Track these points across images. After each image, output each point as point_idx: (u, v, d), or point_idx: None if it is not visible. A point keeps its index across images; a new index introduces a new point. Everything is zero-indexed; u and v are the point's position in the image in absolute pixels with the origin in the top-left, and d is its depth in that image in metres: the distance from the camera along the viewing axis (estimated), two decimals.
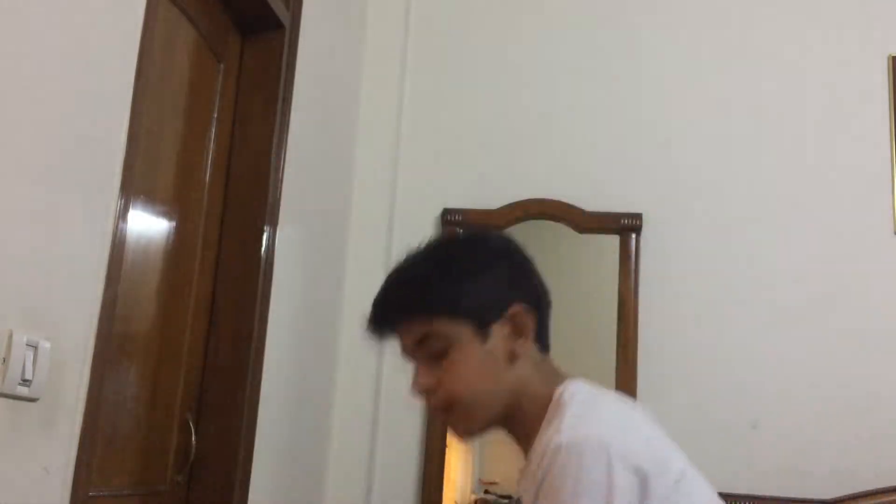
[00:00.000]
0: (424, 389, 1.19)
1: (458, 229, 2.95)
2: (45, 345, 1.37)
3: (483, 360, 1.17)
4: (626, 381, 2.67)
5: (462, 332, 1.17)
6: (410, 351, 1.21)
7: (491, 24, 3.15)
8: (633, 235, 2.82)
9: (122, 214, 1.59)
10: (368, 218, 2.99)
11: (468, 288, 1.19)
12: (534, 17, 3.11)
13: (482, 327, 1.17)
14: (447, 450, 2.80)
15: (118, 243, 1.58)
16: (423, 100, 3.10)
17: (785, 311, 2.76)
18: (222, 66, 2.24)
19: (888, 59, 2.88)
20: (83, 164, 1.49)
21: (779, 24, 2.97)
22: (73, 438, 1.46)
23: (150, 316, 1.92)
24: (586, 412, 1.09)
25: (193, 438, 2.07)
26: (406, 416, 2.82)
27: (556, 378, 1.19)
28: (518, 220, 2.93)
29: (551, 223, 2.91)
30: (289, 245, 2.36)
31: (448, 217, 2.94)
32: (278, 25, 2.32)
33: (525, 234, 2.95)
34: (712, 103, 2.93)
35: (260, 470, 2.18)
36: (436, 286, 1.20)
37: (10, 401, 1.31)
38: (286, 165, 2.32)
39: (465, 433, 1.22)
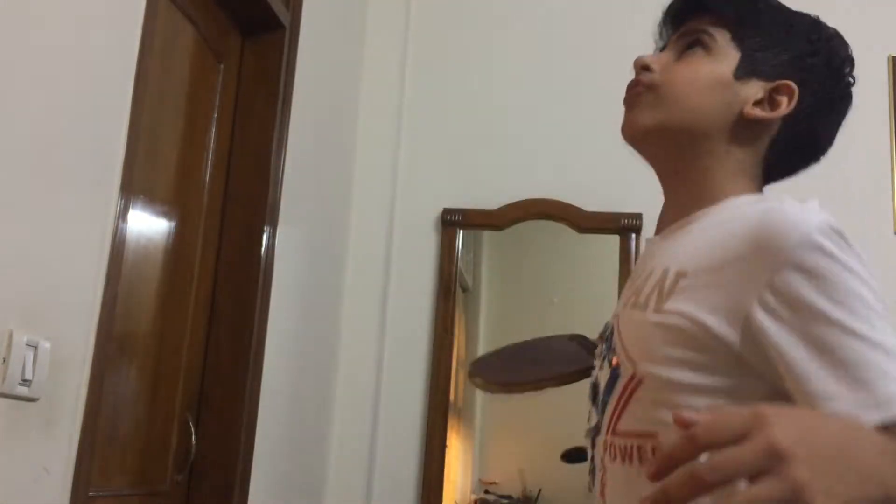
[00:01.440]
0: (644, 64, 1.06)
1: (458, 230, 2.95)
2: (45, 345, 1.37)
3: (721, 88, 1.02)
4: None
5: (729, 57, 1.03)
6: (669, 33, 1.11)
7: (491, 24, 3.15)
8: (633, 235, 2.82)
9: (123, 214, 1.59)
10: (368, 218, 2.99)
11: (778, 35, 1.06)
12: (534, 18, 3.11)
13: (746, 71, 1.03)
14: (447, 450, 2.80)
15: (118, 243, 1.58)
16: (423, 100, 3.10)
17: None
18: (222, 66, 2.24)
19: (888, 59, 2.88)
20: (83, 163, 1.49)
21: None
22: (73, 438, 1.46)
23: (150, 316, 1.92)
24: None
25: (193, 438, 2.07)
26: (406, 415, 2.82)
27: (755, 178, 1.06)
28: (518, 220, 2.93)
29: (551, 223, 2.91)
30: (289, 245, 2.36)
31: (448, 217, 2.94)
32: (278, 25, 2.32)
33: (525, 234, 2.95)
34: None
35: (260, 470, 2.18)
36: (777, 27, 1.07)
37: (10, 401, 1.31)
38: (286, 165, 2.32)
39: (638, 122, 1.05)
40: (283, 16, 2.33)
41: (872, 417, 0.74)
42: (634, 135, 1.06)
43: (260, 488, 2.19)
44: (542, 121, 3.02)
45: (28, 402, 1.35)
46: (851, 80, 1.08)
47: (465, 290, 3.03)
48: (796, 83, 1.02)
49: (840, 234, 0.88)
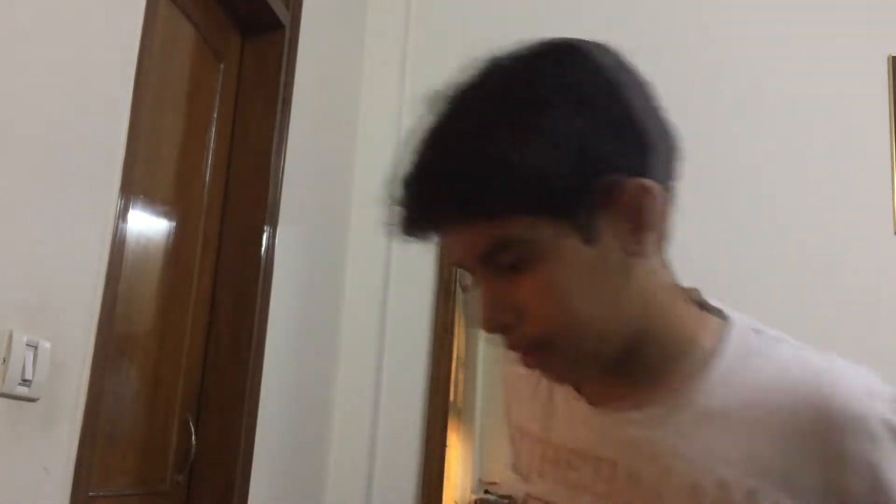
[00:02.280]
0: (501, 327, 0.76)
1: None
2: (46, 345, 1.37)
3: (591, 269, 0.74)
4: None
5: (554, 234, 0.73)
6: (471, 264, 0.77)
7: (491, 23, 3.15)
8: None
9: (122, 214, 1.59)
10: (368, 218, 2.99)
11: (555, 157, 0.71)
12: (535, 17, 3.11)
13: (584, 221, 0.73)
14: (447, 450, 2.80)
15: (118, 243, 1.58)
16: (423, 99, 3.10)
17: (784, 311, 2.75)
18: (222, 65, 2.24)
19: (888, 59, 2.88)
20: (83, 163, 1.49)
21: (779, 25, 2.97)
22: (73, 438, 1.46)
23: (150, 316, 1.92)
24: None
25: (193, 438, 2.07)
26: (406, 415, 2.82)
27: (689, 293, 0.84)
28: None
29: None
30: (289, 245, 2.36)
31: None
32: (278, 25, 2.32)
33: None
34: (711, 103, 2.93)
35: (260, 470, 2.18)
36: (511, 164, 0.71)
37: (10, 401, 1.31)
38: (286, 165, 2.32)
39: (569, 376, 0.82)
40: (283, 16, 2.33)
41: None
42: (590, 379, 0.83)
43: (260, 488, 2.19)
44: None
45: (28, 403, 1.35)
46: (623, 72, 0.79)
47: (464, 289, 3.03)
48: (630, 170, 0.74)
49: None
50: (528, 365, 0.79)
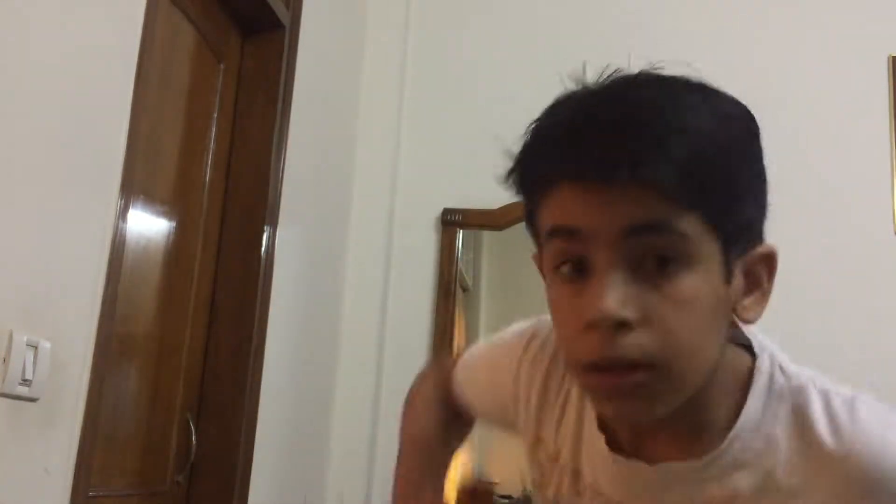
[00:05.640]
0: (618, 324, 0.65)
1: (458, 230, 2.95)
2: (46, 345, 1.37)
3: (718, 307, 0.69)
4: None
5: (714, 255, 0.68)
6: (609, 237, 0.66)
7: (491, 23, 3.15)
8: None
9: (123, 214, 1.59)
10: (368, 218, 2.99)
11: (765, 191, 0.74)
12: (535, 17, 3.11)
13: (734, 260, 0.70)
14: None
15: (118, 243, 1.58)
16: (423, 100, 3.10)
17: (784, 312, 2.75)
18: (222, 66, 2.24)
19: (888, 59, 2.88)
20: (84, 163, 1.49)
21: (779, 25, 2.97)
22: (73, 438, 1.46)
23: (150, 316, 1.92)
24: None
25: (194, 438, 2.07)
26: None
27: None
28: (518, 220, 2.90)
29: None
30: (289, 245, 2.36)
31: (448, 217, 2.94)
32: (278, 25, 2.32)
33: (525, 234, 2.94)
34: None
35: (260, 470, 2.18)
36: (745, 169, 0.70)
37: (11, 401, 1.31)
38: (286, 165, 2.32)
39: (649, 415, 0.71)
40: (283, 16, 2.33)
41: None
42: (645, 424, 0.75)
43: (260, 489, 2.19)
44: None
45: (28, 403, 1.35)
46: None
47: (465, 290, 3.03)
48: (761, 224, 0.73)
49: None
50: (618, 384, 0.67)
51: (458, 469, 2.91)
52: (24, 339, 1.32)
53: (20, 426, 1.34)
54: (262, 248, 2.22)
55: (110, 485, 1.75)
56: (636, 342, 0.65)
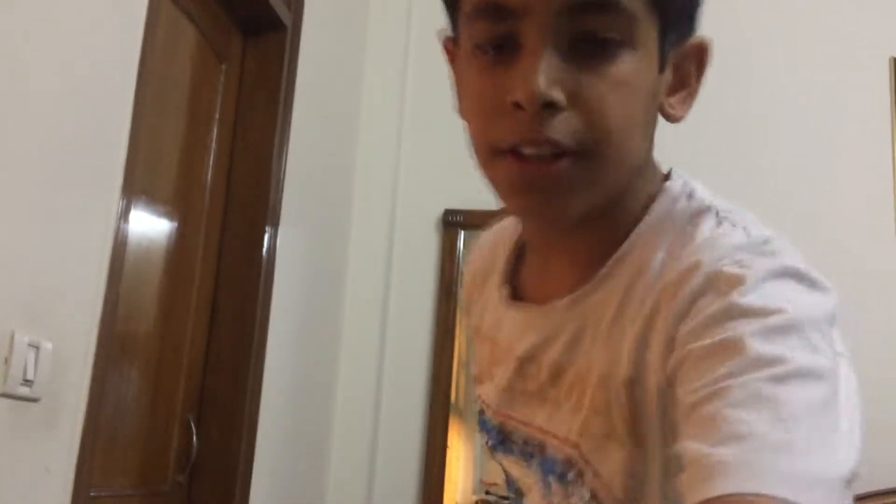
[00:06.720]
0: (547, 103, 0.61)
1: (459, 231, 2.95)
2: (47, 345, 1.37)
3: (649, 97, 0.67)
4: None
5: (652, 40, 0.65)
6: (545, 16, 0.62)
7: None
8: None
9: (124, 215, 1.60)
10: (369, 218, 2.99)
11: None
12: None
13: (669, 47, 0.67)
14: (448, 451, 2.80)
15: (120, 244, 1.58)
16: (425, 100, 3.10)
17: None
18: (224, 66, 2.24)
19: (889, 60, 2.88)
20: (85, 164, 1.49)
21: (779, 26, 2.97)
22: (74, 438, 1.46)
23: (151, 316, 1.92)
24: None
25: (195, 439, 2.07)
26: (407, 416, 2.82)
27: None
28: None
29: None
30: (290, 245, 2.36)
31: (449, 218, 2.94)
32: (280, 26, 2.33)
33: None
34: (711, 104, 2.93)
35: (261, 470, 2.18)
36: None
37: (12, 401, 1.32)
38: (287, 166, 2.32)
39: (568, 212, 0.67)
40: (285, 16, 2.33)
41: None
42: (563, 226, 0.71)
43: (261, 489, 2.19)
44: None
45: (30, 403, 1.35)
46: None
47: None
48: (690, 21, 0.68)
49: None
50: (536, 174, 0.64)
51: (462, 473, 2.91)
52: (26, 339, 1.32)
53: (22, 426, 1.34)
54: (264, 249, 2.22)
55: (111, 485, 1.76)
56: (565, 124, 0.62)
